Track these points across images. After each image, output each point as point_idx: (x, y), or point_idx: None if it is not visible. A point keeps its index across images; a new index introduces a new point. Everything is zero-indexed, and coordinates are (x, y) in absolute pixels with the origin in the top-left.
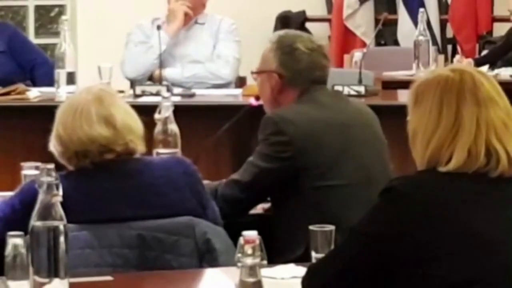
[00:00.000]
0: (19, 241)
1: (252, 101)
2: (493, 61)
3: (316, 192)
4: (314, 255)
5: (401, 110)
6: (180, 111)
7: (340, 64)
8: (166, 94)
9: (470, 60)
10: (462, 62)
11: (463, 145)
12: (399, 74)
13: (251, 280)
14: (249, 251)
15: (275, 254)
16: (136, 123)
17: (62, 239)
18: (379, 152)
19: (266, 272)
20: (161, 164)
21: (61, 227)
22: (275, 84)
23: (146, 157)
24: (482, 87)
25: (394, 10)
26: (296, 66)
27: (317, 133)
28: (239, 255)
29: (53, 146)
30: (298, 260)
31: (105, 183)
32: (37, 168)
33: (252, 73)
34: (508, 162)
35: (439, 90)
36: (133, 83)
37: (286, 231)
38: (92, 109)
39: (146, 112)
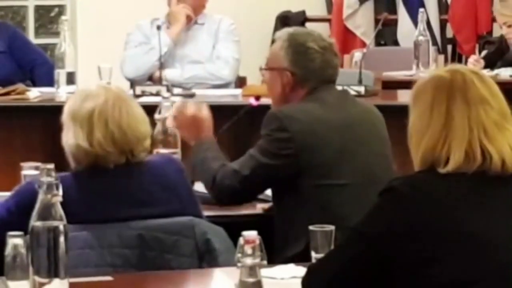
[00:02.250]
0: (19, 241)
1: (252, 101)
2: (490, 66)
3: (317, 191)
4: (314, 255)
5: (401, 110)
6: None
7: (340, 64)
8: (166, 94)
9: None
10: (480, 62)
11: (459, 145)
12: (399, 74)
13: (251, 280)
14: (249, 251)
15: (275, 251)
16: None
17: (62, 239)
18: (383, 152)
19: (266, 272)
20: (156, 164)
21: (61, 227)
22: (286, 82)
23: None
24: (472, 86)
25: (394, 10)
26: (309, 65)
27: (319, 132)
28: (239, 255)
29: (98, 146)
30: (298, 257)
31: (105, 183)
32: (37, 168)
33: (261, 69)
34: (501, 162)
35: (431, 90)
36: (133, 83)
37: (286, 227)
38: (134, 108)
39: (146, 112)
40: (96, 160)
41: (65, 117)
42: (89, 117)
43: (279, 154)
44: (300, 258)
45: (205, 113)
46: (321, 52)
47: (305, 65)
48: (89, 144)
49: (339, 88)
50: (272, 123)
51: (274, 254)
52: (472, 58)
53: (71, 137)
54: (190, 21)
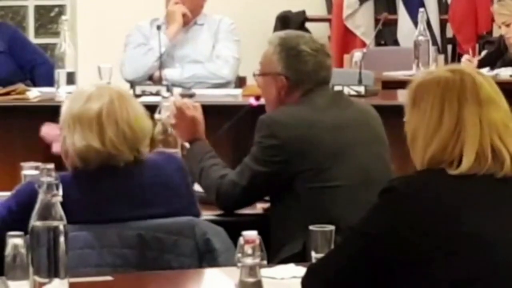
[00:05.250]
0: (19, 241)
1: (252, 101)
2: (490, 66)
3: (311, 193)
4: (314, 255)
5: (401, 110)
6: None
7: (340, 64)
8: (166, 94)
9: (474, 60)
10: (473, 62)
11: (471, 146)
12: (399, 74)
13: (251, 280)
14: (249, 251)
15: (271, 252)
16: None
17: (62, 239)
18: (379, 152)
19: (266, 272)
20: (155, 162)
21: (61, 227)
22: (281, 86)
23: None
24: (482, 87)
25: (394, 10)
26: (303, 68)
27: (310, 136)
28: (239, 255)
29: (111, 145)
30: (295, 258)
31: (105, 183)
32: (37, 168)
33: (255, 75)
34: (511, 162)
35: (440, 91)
36: (133, 83)
37: (283, 229)
38: (136, 105)
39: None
40: (107, 159)
41: (66, 120)
42: (98, 117)
43: (270, 161)
44: (297, 259)
45: (201, 115)
46: (314, 55)
47: (299, 68)
48: (101, 143)
49: (338, 88)
50: (262, 130)
51: (270, 255)
52: (464, 58)
53: (79, 139)
54: (187, 21)
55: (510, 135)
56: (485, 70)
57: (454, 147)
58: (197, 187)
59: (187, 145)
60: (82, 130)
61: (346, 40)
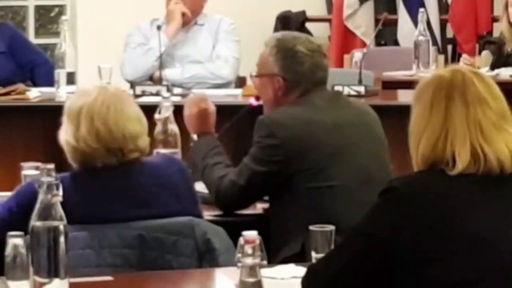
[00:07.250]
0: (19, 241)
1: (252, 101)
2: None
3: (310, 193)
4: (314, 255)
5: (401, 110)
6: (180, 111)
7: (340, 64)
8: (166, 94)
9: (472, 60)
10: (470, 61)
11: (462, 145)
12: (399, 74)
13: (251, 280)
14: (249, 251)
15: (271, 252)
16: None
17: (62, 239)
18: (377, 152)
19: (266, 272)
20: (156, 164)
21: (61, 227)
22: (278, 87)
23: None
24: (472, 86)
25: (394, 10)
26: (299, 69)
27: (308, 136)
28: (239, 255)
29: (83, 142)
30: (295, 258)
31: (106, 183)
32: (37, 168)
33: (252, 76)
34: (497, 163)
35: (431, 90)
36: (133, 83)
37: (282, 229)
38: (129, 107)
39: (146, 112)
40: (83, 157)
41: (63, 114)
42: (78, 114)
43: (270, 161)
44: (296, 259)
45: (213, 107)
46: (310, 55)
47: (295, 69)
48: (76, 140)
49: (338, 88)
50: (261, 130)
51: (270, 255)
52: (462, 58)
53: (62, 134)
54: (188, 20)
55: (499, 135)
56: (484, 70)
57: (444, 146)
58: (198, 187)
59: (195, 137)
60: (67, 126)
61: (346, 40)
